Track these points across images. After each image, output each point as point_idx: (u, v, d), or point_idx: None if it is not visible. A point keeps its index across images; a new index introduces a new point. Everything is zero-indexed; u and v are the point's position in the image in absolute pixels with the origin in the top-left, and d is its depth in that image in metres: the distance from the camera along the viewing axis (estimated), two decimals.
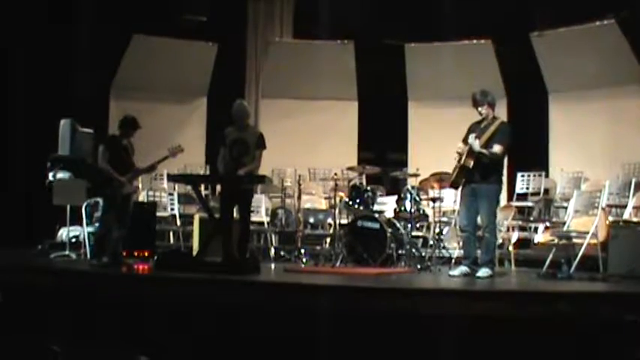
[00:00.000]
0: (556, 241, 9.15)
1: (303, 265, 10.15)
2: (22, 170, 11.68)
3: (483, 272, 8.32)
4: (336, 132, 14.39)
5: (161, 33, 13.90)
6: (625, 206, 10.37)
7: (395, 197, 10.62)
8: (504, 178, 9.18)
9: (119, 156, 9.07)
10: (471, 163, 8.42)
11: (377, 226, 9.79)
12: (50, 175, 11.16)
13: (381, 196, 11.26)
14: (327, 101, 14.45)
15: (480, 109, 8.63)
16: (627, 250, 8.48)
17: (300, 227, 11.29)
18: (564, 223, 9.82)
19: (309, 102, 14.50)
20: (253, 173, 9.06)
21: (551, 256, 9.18)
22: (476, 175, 8.47)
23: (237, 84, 14.78)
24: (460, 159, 8.55)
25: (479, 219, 8.59)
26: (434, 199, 10.06)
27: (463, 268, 8.55)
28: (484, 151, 8.38)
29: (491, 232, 8.47)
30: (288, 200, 12.17)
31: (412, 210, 10.09)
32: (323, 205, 12.49)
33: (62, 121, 11.53)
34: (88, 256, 9.92)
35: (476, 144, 8.38)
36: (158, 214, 11.36)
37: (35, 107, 12.09)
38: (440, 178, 9.78)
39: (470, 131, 8.62)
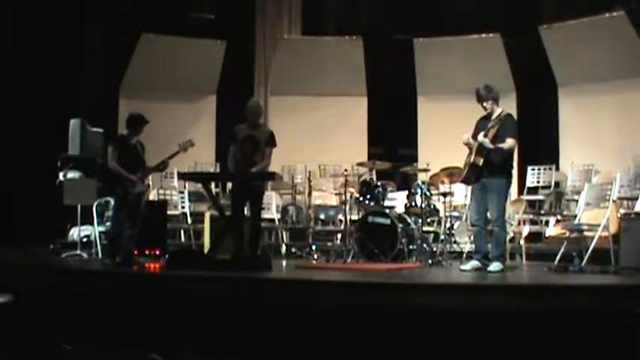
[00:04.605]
0: (567, 234, 9.13)
1: (314, 262, 10.15)
2: (33, 170, 11.71)
3: (495, 266, 8.30)
4: (346, 128, 14.39)
5: (169, 32, 13.94)
6: (636, 198, 10.30)
7: (405, 192, 10.63)
8: (514, 172, 9.15)
9: (129, 155, 9.07)
10: (481, 161, 8.40)
11: (388, 221, 9.79)
12: (60, 175, 11.18)
13: (391, 191, 11.25)
14: (337, 97, 14.44)
15: (484, 104, 8.62)
16: (639, 242, 8.44)
17: (311, 224, 11.27)
18: (575, 216, 9.78)
19: (318, 98, 14.48)
20: (264, 171, 9.09)
21: (562, 249, 9.17)
22: (485, 170, 8.44)
23: (246, 81, 14.83)
24: (469, 156, 8.53)
25: (489, 213, 8.58)
26: (444, 194, 10.03)
27: (474, 263, 8.54)
28: (493, 147, 8.35)
29: (500, 225, 8.44)
30: (298, 197, 12.19)
31: (423, 205, 10.11)
32: (333, 201, 12.48)
33: (72, 121, 11.53)
34: (100, 255, 9.96)
35: (486, 142, 8.35)
36: (169, 212, 11.32)
37: (45, 107, 12.13)
38: (450, 173, 9.76)
39: (477, 127, 8.62)
